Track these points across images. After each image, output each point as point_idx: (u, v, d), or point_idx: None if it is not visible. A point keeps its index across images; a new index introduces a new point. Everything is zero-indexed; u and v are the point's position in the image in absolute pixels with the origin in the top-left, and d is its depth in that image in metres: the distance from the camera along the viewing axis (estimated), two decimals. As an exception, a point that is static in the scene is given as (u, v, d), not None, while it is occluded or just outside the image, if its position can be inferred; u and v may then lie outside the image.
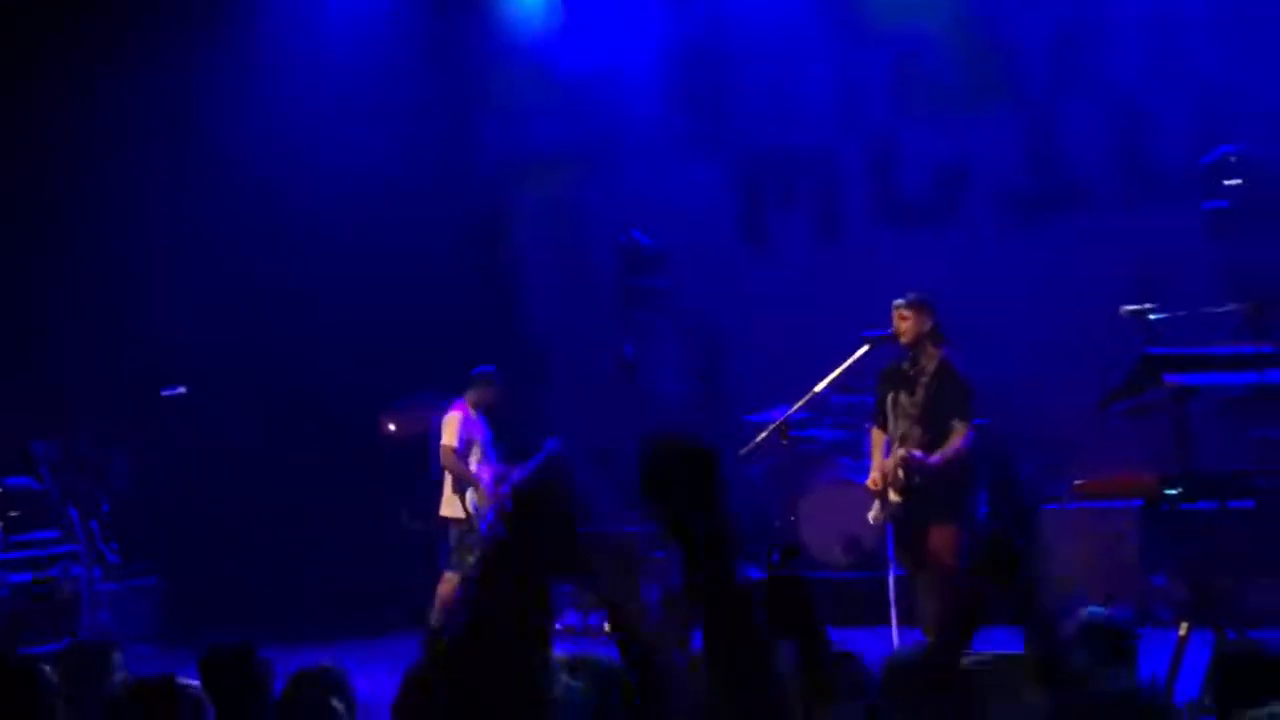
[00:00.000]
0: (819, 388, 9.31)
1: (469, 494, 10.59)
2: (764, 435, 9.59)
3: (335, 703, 4.52)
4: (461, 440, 10.67)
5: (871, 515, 8.75)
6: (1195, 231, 10.69)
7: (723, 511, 3.17)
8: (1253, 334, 7.49)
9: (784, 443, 9.75)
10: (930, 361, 8.64)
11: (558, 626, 4.29)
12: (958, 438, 8.52)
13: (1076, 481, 10.66)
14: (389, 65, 13.37)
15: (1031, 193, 12.11)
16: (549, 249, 13.90)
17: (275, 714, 4.58)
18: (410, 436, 12.30)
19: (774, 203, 13.23)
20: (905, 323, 8.67)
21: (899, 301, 8.73)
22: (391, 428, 12.81)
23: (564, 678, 3.67)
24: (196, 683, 4.39)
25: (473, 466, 10.68)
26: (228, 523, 12.42)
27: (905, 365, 8.72)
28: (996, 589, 3.07)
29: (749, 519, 11.14)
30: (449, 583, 10.47)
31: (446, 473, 10.76)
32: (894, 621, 8.47)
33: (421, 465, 11.49)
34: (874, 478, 8.73)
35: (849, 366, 9.06)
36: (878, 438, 8.86)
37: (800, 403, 9.55)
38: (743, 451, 9.67)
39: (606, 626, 3.54)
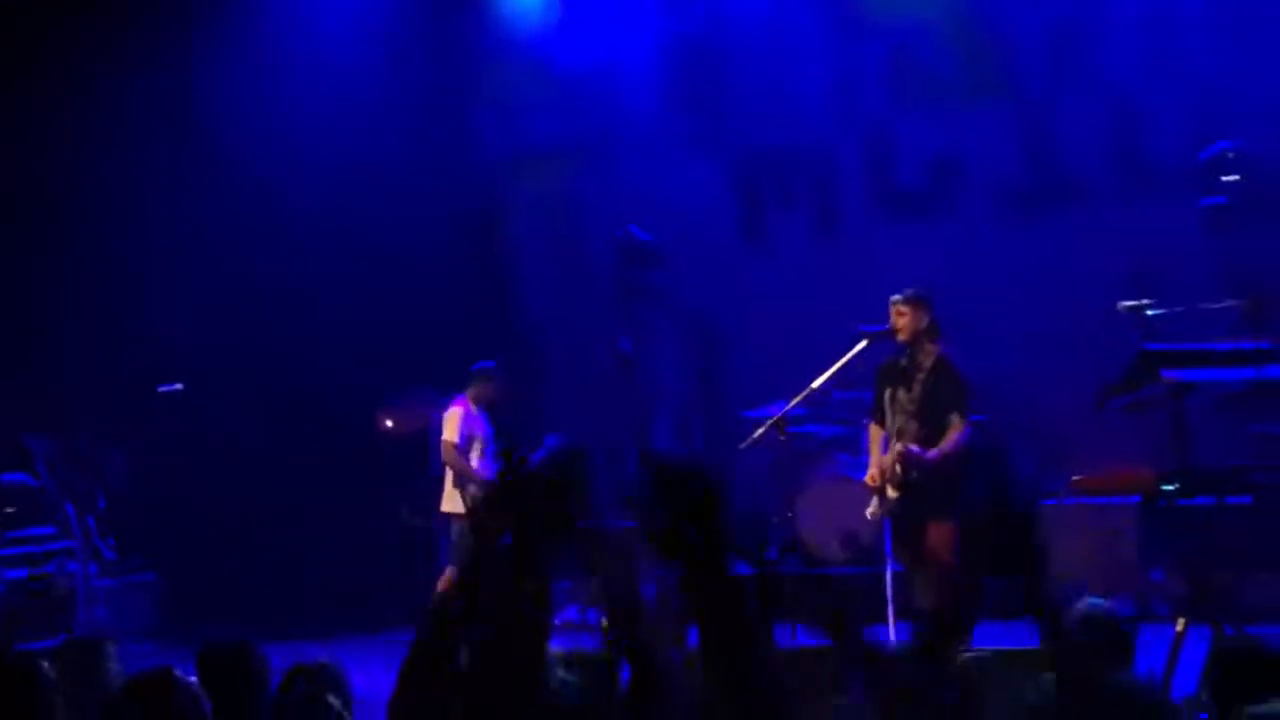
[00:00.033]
0: (817, 383, 9.31)
1: (470, 489, 10.59)
2: (761, 431, 9.60)
3: (332, 699, 4.51)
4: (462, 436, 10.69)
5: (869, 511, 8.75)
6: (1193, 227, 10.67)
7: (720, 525, 3.17)
8: (1251, 330, 7.49)
9: (782, 438, 9.75)
10: (927, 357, 8.65)
11: (557, 621, 4.27)
12: (955, 433, 8.53)
13: (1074, 477, 10.66)
14: (387, 61, 13.35)
15: (1029, 188, 12.11)
16: (546, 244, 13.88)
17: (272, 709, 4.58)
18: (408, 432, 12.30)
19: (771, 197, 13.21)
20: (902, 318, 8.68)
21: (896, 297, 8.73)
22: (389, 424, 12.81)
23: (559, 672, 3.66)
24: (193, 678, 4.38)
25: (474, 462, 10.69)
26: (225, 519, 12.42)
27: (903, 361, 8.73)
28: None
29: (747, 515, 11.12)
30: (450, 579, 10.47)
31: (447, 468, 10.77)
32: (891, 617, 8.47)
33: (421, 461, 11.49)
34: (872, 473, 8.74)
35: (847, 362, 9.06)
36: (875, 433, 8.87)
37: (798, 398, 9.55)
38: (741, 447, 9.67)
39: (604, 622, 3.52)
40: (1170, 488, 7.58)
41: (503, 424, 10.89)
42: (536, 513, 3.29)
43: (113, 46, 12.63)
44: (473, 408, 10.79)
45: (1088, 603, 4.95)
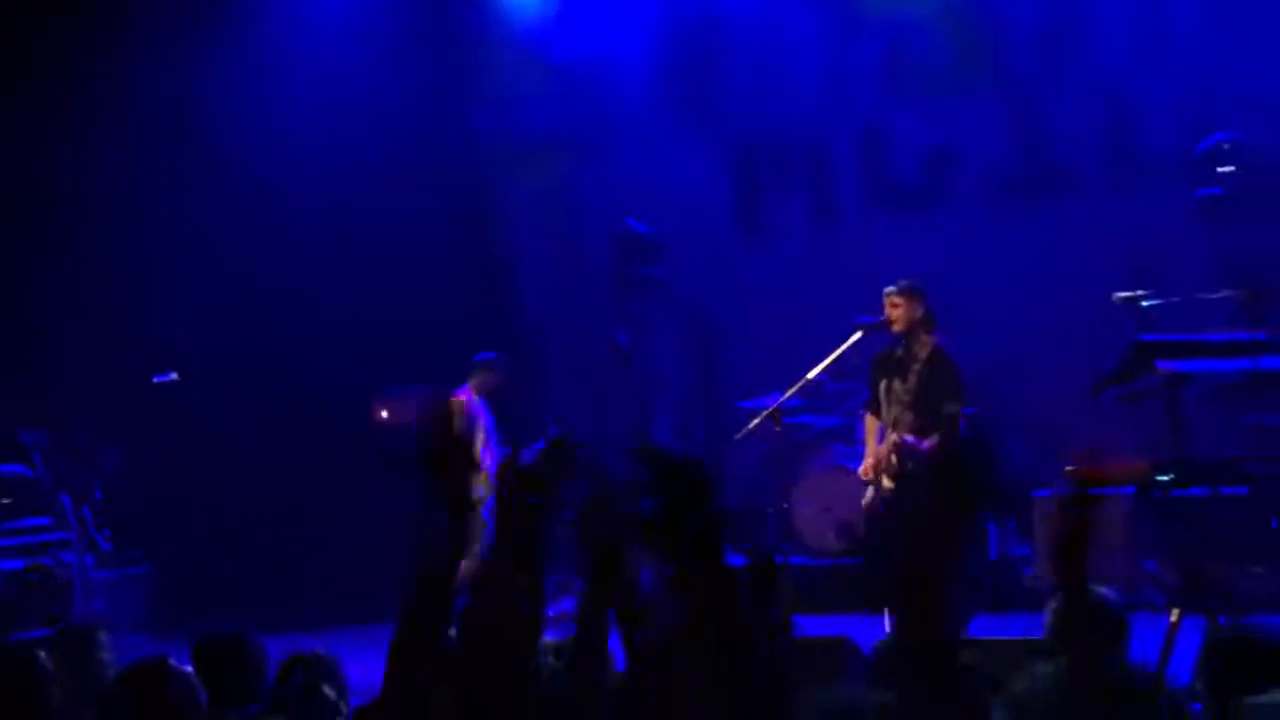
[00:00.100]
0: (812, 374, 9.33)
1: (472, 479, 10.59)
2: (757, 421, 9.61)
3: (328, 690, 4.52)
4: (467, 425, 10.71)
5: (865, 501, 8.77)
6: (1188, 218, 10.69)
7: (712, 516, 3.17)
8: (1246, 321, 7.50)
9: (777, 429, 9.76)
10: (923, 348, 8.66)
11: (553, 613, 4.28)
12: (950, 425, 8.54)
13: (1068, 468, 10.64)
14: (384, 53, 13.34)
15: (1023, 179, 12.12)
16: (543, 236, 13.88)
17: (268, 700, 4.58)
18: (403, 424, 12.29)
19: (767, 189, 13.22)
20: (897, 310, 8.70)
21: (890, 289, 8.75)
22: (384, 415, 12.80)
23: (550, 660, 3.67)
24: (189, 668, 4.39)
25: (476, 453, 10.70)
26: (220, 511, 12.42)
27: (898, 352, 8.75)
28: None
29: (743, 506, 11.14)
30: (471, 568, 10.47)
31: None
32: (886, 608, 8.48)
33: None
34: (868, 464, 8.75)
35: (842, 353, 9.07)
36: (871, 424, 8.89)
37: (793, 389, 9.56)
38: (736, 437, 9.67)
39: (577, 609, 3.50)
40: (1165, 478, 7.57)
41: (499, 415, 10.91)
42: (529, 506, 3.31)
43: (113, 46, 12.62)
44: (475, 398, 10.82)
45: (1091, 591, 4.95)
